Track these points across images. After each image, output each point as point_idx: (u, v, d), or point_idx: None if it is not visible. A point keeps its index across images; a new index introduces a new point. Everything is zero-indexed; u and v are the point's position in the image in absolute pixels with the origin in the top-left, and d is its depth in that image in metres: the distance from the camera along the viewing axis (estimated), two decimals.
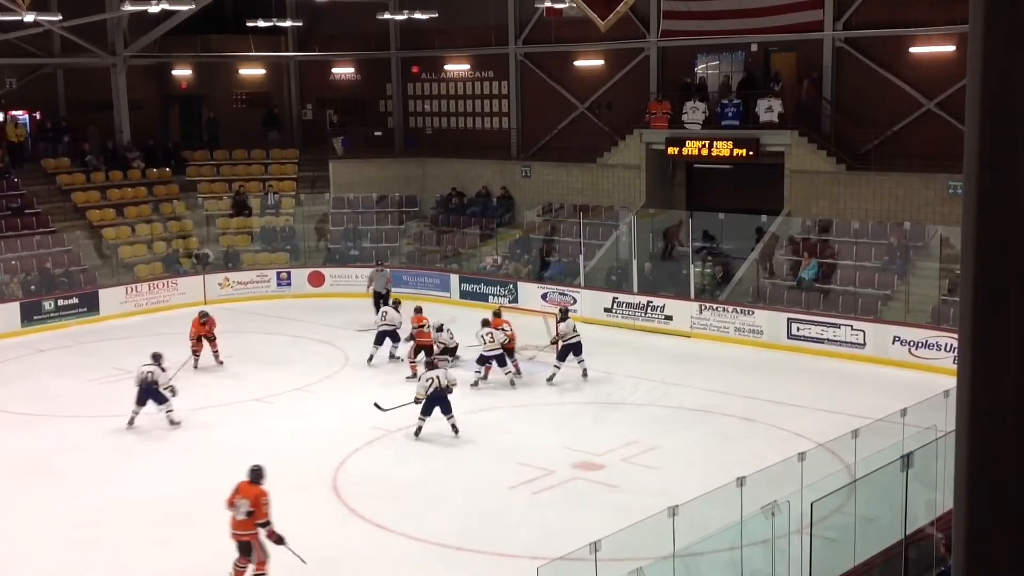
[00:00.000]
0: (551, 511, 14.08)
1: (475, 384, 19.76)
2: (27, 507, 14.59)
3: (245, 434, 17.67)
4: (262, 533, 11.85)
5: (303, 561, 11.90)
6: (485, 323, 20.08)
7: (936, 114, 24.61)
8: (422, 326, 20.83)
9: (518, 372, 20.33)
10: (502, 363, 19.88)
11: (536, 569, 8.98)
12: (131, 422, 17.81)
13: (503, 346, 19.91)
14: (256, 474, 11.97)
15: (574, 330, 20.44)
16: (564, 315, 20.79)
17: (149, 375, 17.70)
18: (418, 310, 21.54)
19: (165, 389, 17.76)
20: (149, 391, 17.73)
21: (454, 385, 17.32)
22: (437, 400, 16.91)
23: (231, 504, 11.84)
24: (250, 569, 11.90)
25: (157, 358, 17.95)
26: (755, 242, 25.24)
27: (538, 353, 21.32)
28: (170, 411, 17.89)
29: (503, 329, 20.07)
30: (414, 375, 19.38)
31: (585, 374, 20.37)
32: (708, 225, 25.94)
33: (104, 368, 21.73)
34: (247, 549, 11.79)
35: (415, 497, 14.59)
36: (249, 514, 11.67)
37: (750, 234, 25.47)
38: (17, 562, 12.92)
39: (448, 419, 17.01)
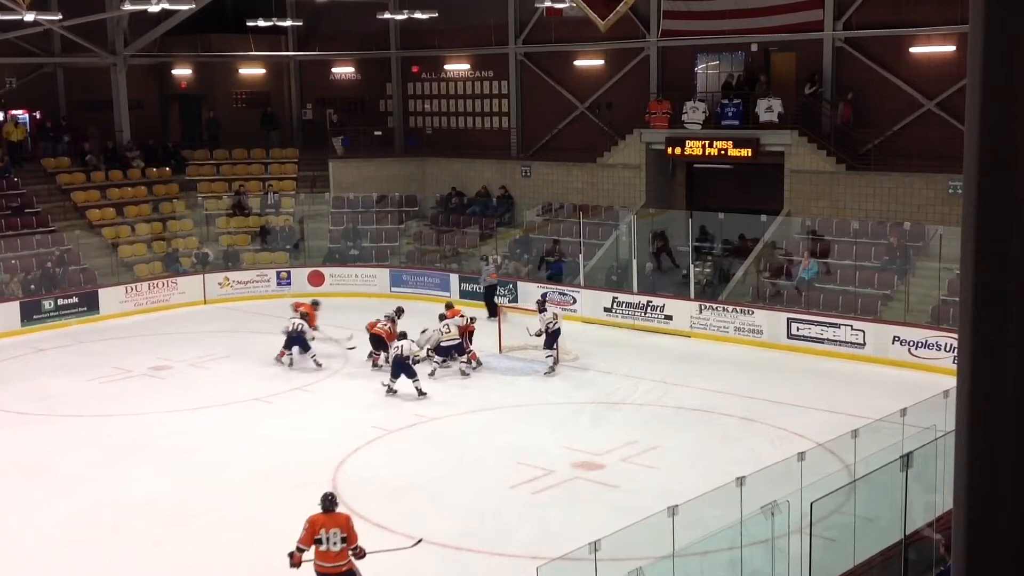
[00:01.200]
0: (551, 511, 14.08)
1: (432, 374, 20.42)
2: (27, 507, 14.58)
3: (245, 434, 17.67)
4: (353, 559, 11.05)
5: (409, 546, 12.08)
6: (442, 317, 21.12)
7: (936, 114, 24.61)
8: (377, 321, 21.46)
9: (478, 363, 21.16)
10: (460, 351, 20.89)
11: (536, 569, 8.98)
12: (279, 359, 21.51)
13: (460, 332, 20.94)
14: (331, 501, 11.12)
15: (555, 317, 21.27)
16: (542, 306, 21.85)
17: (299, 325, 21.23)
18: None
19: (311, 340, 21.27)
20: (297, 338, 21.18)
21: (419, 357, 20.05)
22: (399, 366, 19.12)
23: (312, 541, 10.85)
24: None
25: (305, 317, 21.68)
26: (740, 241, 25.62)
27: (533, 349, 21.68)
28: (314, 355, 21.31)
29: (461, 315, 21.41)
30: (377, 366, 21.04)
31: (551, 370, 21.06)
32: (706, 224, 25.95)
33: (104, 368, 21.73)
34: None
35: (415, 497, 14.58)
36: (344, 540, 10.84)
37: (750, 234, 25.48)
38: (17, 562, 12.91)
39: (413, 382, 19.09)
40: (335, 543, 10.79)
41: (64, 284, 26.71)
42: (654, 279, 25.66)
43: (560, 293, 25.70)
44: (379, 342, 21.06)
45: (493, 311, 24.92)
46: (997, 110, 2.35)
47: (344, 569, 10.89)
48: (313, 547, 10.90)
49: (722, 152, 26.43)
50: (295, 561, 10.98)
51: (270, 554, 12.86)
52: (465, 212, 30.99)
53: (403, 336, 19.71)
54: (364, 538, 13.32)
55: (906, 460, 10.34)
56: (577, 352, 22.06)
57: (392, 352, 19.54)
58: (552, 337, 20.96)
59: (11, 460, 16.54)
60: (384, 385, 19.50)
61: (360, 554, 11.01)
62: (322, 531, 10.82)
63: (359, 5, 32.95)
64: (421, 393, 19.04)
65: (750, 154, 26.04)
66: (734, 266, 25.15)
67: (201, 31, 34.74)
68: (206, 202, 31.43)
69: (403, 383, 19.16)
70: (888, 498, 10.72)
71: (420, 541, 12.22)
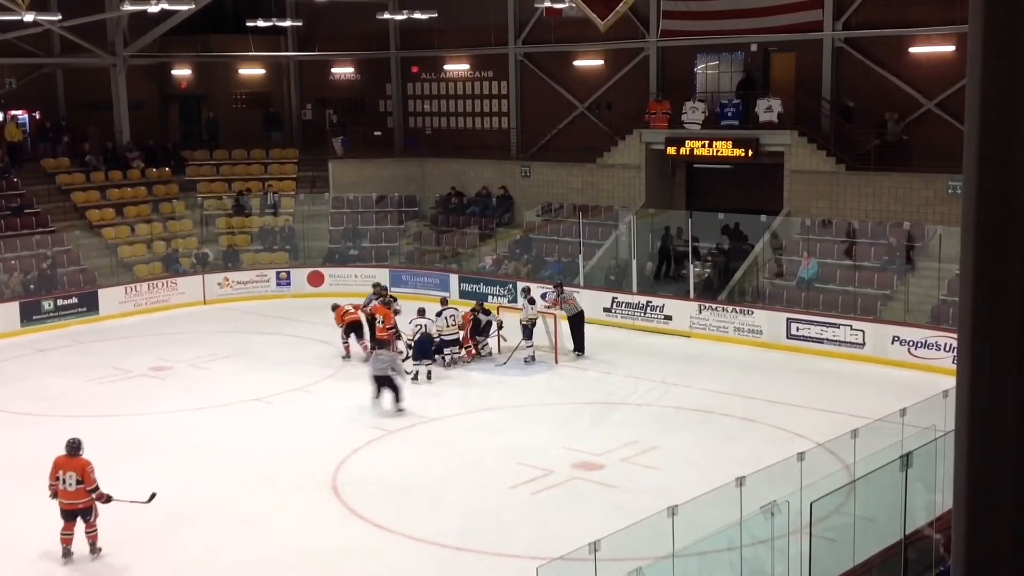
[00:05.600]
0: (551, 511, 14.08)
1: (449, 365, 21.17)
2: (27, 507, 14.55)
3: (244, 434, 17.66)
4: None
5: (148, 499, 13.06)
6: (439, 313, 21.36)
7: (936, 114, 24.61)
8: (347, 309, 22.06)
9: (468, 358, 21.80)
10: (453, 344, 21.42)
11: (536, 569, 8.98)
12: (425, 375, 20.45)
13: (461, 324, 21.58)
14: (72, 447, 12.79)
15: (533, 318, 21.91)
16: (527, 294, 23.02)
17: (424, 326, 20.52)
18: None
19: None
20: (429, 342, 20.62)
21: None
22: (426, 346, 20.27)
23: (55, 478, 12.73)
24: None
25: (445, 302, 22.02)
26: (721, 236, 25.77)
27: (534, 350, 21.81)
28: (441, 362, 21.09)
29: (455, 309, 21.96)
30: (348, 356, 21.85)
31: (531, 359, 21.63)
32: (706, 225, 25.91)
33: (104, 368, 21.72)
34: (79, 515, 12.76)
35: (415, 497, 14.58)
36: (79, 482, 12.60)
37: (753, 235, 25.48)
38: (17, 562, 12.90)
39: (427, 365, 20.27)
40: (70, 484, 12.65)
41: (63, 284, 26.70)
42: (654, 279, 25.65)
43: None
44: (351, 328, 21.63)
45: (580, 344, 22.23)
46: (997, 110, 2.36)
47: (80, 506, 12.73)
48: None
49: (722, 152, 26.44)
50: (52, 493, 12.82)
51: (270, 554, 12.89)
52: (465, 212, 30.99)
53: (422, 313, 20.58)
54: (363, 538, 13.38)
55: (906, 460, 10.35)
56: (576, 352, 22.07)
57: (414, 330, 20.21)
58: (527, 330, 21.63)
59: (11, 460, 16.53)
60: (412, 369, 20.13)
61: (102, 498, 12.79)
62: (60, 472, 12.74)
63: (359, 5, 32.95)
64: (429, 377, 20.09)
65: (750, 154, 26.04)
66: (732, 266, 25.13)
67: (201, 31, 34.76)
68: (206, 202, 31.43)
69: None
70: (888, 498, 10.72)
71: (154, 495, 13.14)
